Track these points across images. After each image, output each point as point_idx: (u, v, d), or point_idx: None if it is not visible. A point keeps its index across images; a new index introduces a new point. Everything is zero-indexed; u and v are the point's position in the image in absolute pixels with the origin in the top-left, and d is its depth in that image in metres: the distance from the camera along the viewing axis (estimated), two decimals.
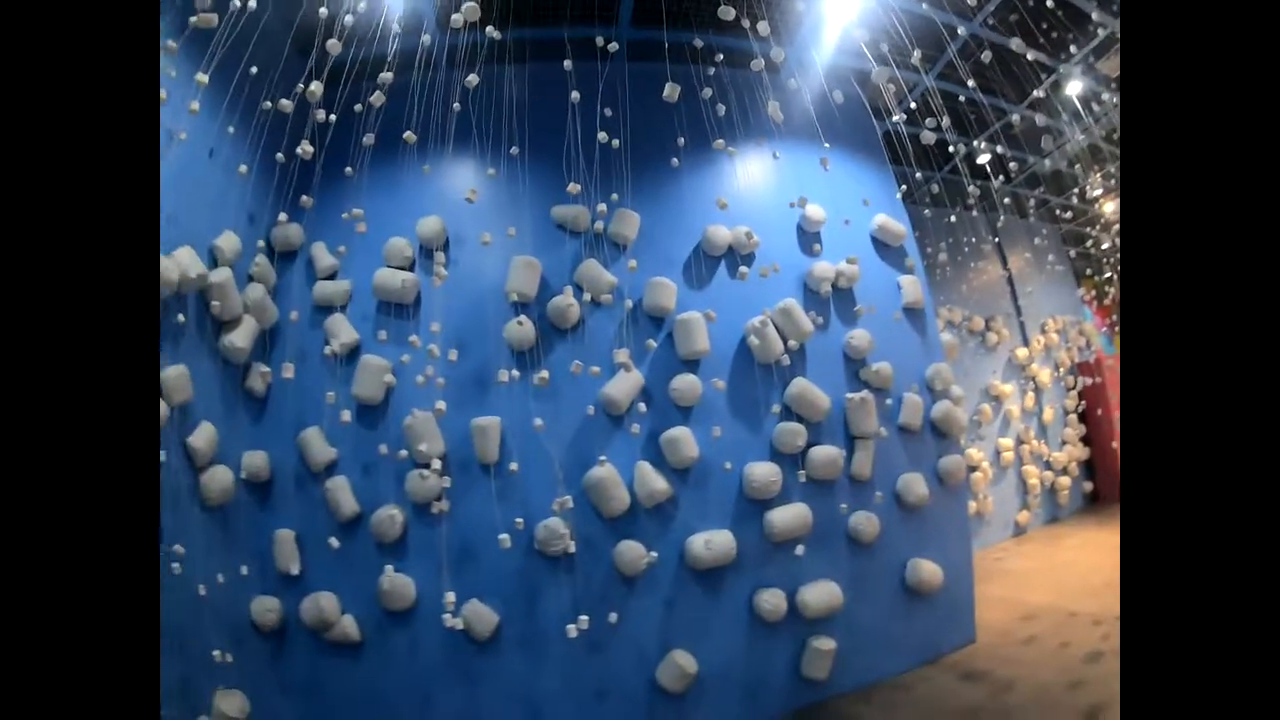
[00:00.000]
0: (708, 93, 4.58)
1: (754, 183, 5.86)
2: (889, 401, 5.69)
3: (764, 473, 4.99)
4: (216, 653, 4.14)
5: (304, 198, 4.30)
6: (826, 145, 5.02)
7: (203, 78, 3.69)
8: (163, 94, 3.74)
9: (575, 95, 4.34)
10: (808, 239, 5.89)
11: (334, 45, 3.68)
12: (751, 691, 4.88)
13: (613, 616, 4.60)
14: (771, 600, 4.85)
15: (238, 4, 3.59)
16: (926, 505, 5.55)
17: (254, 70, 4.21)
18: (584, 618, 4.23)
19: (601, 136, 4.58)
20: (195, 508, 4.40)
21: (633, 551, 4.72)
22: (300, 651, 4.92)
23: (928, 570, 5.37)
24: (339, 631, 4.80)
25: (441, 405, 4.33)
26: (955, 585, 5.58)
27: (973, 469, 9.00)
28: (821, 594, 4.96)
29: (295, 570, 4.86)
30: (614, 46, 4.40)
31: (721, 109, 4.75)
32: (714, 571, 4.89)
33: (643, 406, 4.88)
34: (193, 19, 3.49)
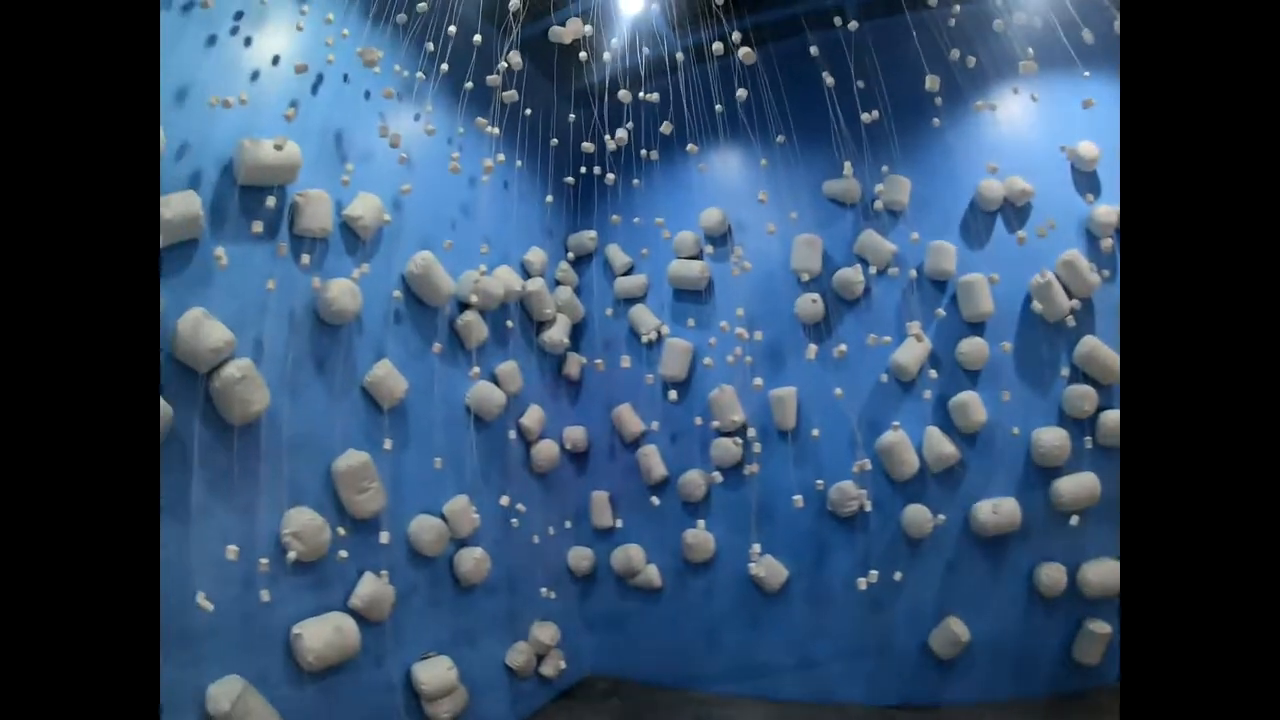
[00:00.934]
0: (955, 54, 4.38)
1: (1018, 129, 5.47)
2: None
3: (1052, 438, 4.79)
4: (544, 589, 5.07)
5: (613, 216, 5.02)
6: (1085, 74, 4.47)
7: (494, 129, 4.32)
8: (488, 162, 4.42)
9: (829, 80, 4.36)
10: (1084, 181, 5.41)
11: (624, 95, 4.10)
12: (1019, 668, 4.78)
13: (897, 575, 4.78)
14: (1051, 574, 4.67)
15: (505, 64, 4.01)
16: None
17: (528, 111, 4.83)
18: (874, 572, 4.45)
19: (864, 117, 4.58)
20: (529, 474, 5.44)
21: (920, 514, 4.86)
22: (607, 594, 5.84)
23: None
24: (643, 578, 5.64)
25: (759, 381, 4.74)
26: None
27: None
28: (1104, 573, 4.60)
29: (618, 524, 5.74)
30: (854, 25, 4.38)
31: (971, 61, 4.50)
32: (996, 539, 4.85)
33: (933, 372, 4.93)
34: (504, 94, 4.06)
